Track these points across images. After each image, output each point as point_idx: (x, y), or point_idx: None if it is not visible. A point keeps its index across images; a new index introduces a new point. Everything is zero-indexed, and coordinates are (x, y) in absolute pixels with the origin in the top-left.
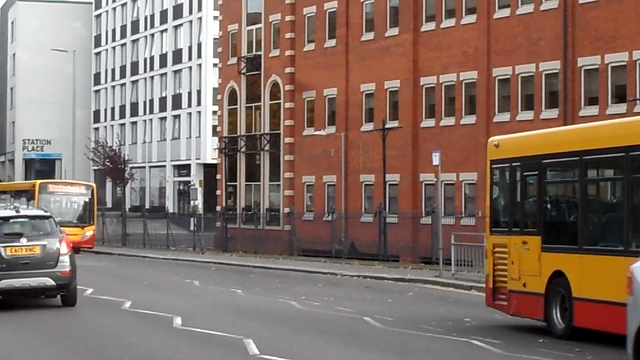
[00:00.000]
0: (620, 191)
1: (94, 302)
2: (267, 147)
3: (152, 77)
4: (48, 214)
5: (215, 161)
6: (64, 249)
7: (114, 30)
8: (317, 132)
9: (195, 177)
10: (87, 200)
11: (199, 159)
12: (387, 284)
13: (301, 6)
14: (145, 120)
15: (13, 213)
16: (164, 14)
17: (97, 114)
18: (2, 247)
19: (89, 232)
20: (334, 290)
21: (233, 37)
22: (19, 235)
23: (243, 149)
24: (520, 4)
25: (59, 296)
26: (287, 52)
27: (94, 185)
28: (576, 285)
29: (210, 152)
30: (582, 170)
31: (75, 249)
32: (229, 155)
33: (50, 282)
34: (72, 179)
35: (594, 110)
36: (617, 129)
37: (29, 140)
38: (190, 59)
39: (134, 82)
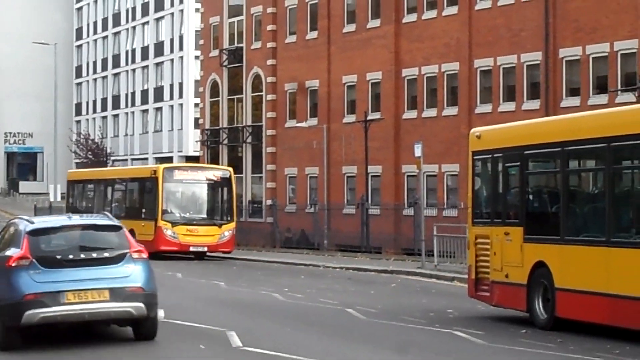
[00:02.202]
0: (602, 182)
1: None
2: (249, 140)
3: (133, 70)
4: None
5: (197, 153)
6: None
7: (95, 23)
8: (299, 124)
9: None
10: (223, 189)
11: (181, 151)
12: (370, 276)
13: None
14: (127, 113)
15: None
16: (145, 7)
17: (78, 106)
18: None
19: (228, 231)
20: (316, 282)
21: (215, 29)
22: None
23: (225, 141)
24: None
25: None
26: (269, 44)
27: (230, 169)
28: (558, 276)
29: (192, 144)
30: (564, 161)
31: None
32: (211, 147)
33: None
34: (54, 173)
35: (575, 101)
36: (599, 120)
37: (10, 133)
38: (172, 51)
39: (116, 75)
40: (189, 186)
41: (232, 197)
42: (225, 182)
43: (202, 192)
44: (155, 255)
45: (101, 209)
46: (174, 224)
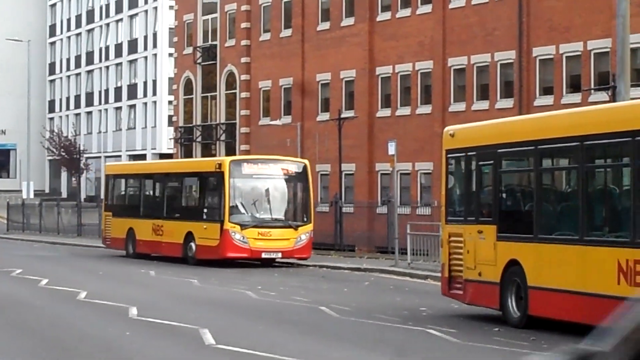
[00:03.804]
0: (575, 180)
1: (49, 292)
2: (223, 137)
3: (107, 67)
4: None
5: (171, 151)
6: None
7: (69, 20)
8: (272, 122)
9: None
10: (298, 184)
11: (155, 148)
12: (343, 274)
13: None
14: (100, 110)
15: None
16: (119, 4)
17: (52, 103)
18: None
19: (305, 234)
20: (289, 280)
21: (189, 26)
22: None
23: (199, 139)
24: None
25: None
26: (243, 42)
27: (306, 161)
28: (531, 274)
29: (166, 142)
30: (537, 160)
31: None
32: (184, 145)
33: None
34: (27, 170)
35: (548, 100)
36: (572, 119)
37: None
38: (145, 48)
39: (89, 72)
40: (260, 182)
41: (309, 193)
42: (301, 176)
43: (275, 188)
44: (221, 262)
45: (148, 208)
46: (243, 226)
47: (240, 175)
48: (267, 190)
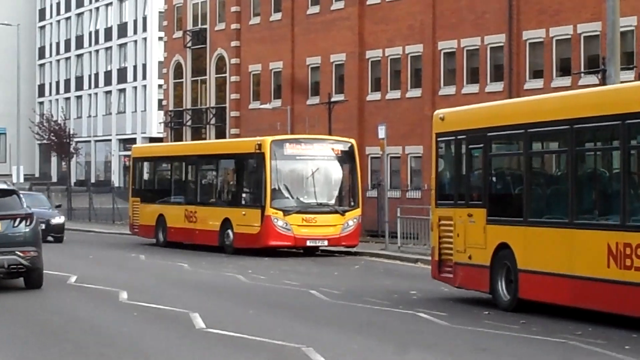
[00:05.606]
0: (565, 164)
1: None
2: (212, 121)
3: (97, 51)
4: None
5: (161, 135)
6: None
7: (58, 4)
8: (262, 106)
9: None
10: (345, 165)
11: (145, 132)
12: (333, 257)
13: None
14: (90, 94)
15: None
16: None
17: (42, 88)
18: None
19: (353, 219)
20: (280, 264)
21: (178, 10)
22: None
23: (189, 123)
24: None
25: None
26: (233, 26)
27: (353, 141)
28: (521, 257)
29: (155, 126)
30: (527, 143)
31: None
32: (174, 129)
33: None
34: (17, 154)
35: (538, 83)
36: (562, 102)
37: None
38: (135, 32)
39: (79, 56)
40: (304, 163)
41: (356, 175)
42: (348, 156)
43: (320, 170)
44: (261, 251)
45: (180, 193)
46: (287, 212)
47: (283, 156)
48: (311, 173)
